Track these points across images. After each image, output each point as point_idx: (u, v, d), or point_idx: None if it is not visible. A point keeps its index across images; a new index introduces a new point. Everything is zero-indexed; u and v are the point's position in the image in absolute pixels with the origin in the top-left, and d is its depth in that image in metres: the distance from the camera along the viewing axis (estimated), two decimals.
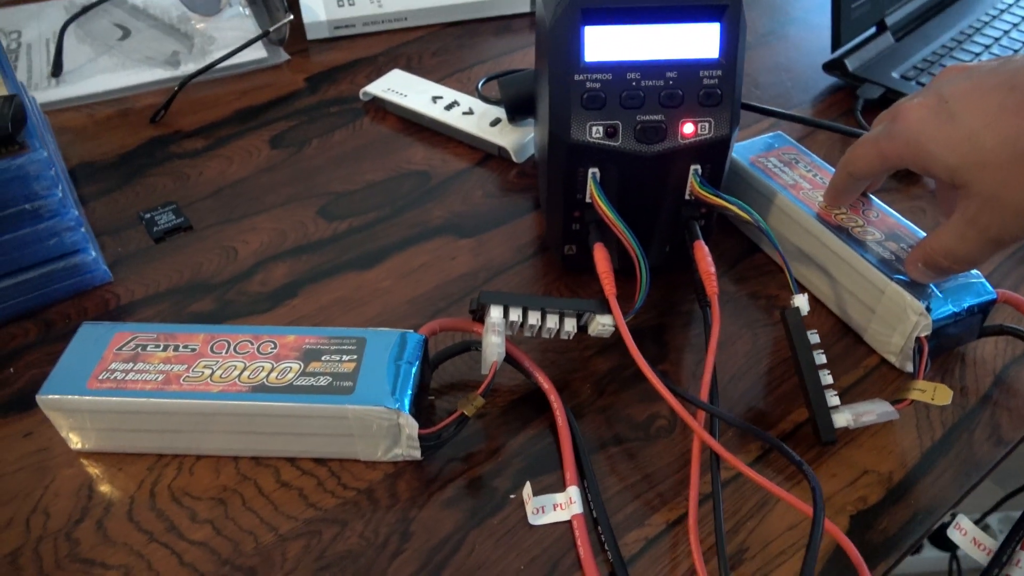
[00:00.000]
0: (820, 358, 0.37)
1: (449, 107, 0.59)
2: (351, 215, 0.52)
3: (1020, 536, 0.35)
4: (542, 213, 0.51)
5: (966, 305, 0.40)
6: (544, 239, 0.50)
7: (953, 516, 0.37)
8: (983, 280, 0.41)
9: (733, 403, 0.40)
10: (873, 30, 0.66)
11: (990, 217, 0.35)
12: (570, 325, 0.38)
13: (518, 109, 0.55)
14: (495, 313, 0.37)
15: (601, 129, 0.39)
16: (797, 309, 0.37)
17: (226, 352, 0.36)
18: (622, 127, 0.39)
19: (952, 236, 0.37)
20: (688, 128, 0.39)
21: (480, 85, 0.58)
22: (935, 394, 0.35)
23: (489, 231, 0.51)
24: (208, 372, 0.36)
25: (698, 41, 0.39)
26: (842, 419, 0.37)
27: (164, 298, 0.46)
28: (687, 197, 0.42)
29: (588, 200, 0.41)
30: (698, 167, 0.41)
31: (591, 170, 0.40)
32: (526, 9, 0.73)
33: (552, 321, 0.38)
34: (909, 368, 0.41)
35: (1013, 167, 0.33)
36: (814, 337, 0.37)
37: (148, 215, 0.51)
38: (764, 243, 0.49)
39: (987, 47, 0.67)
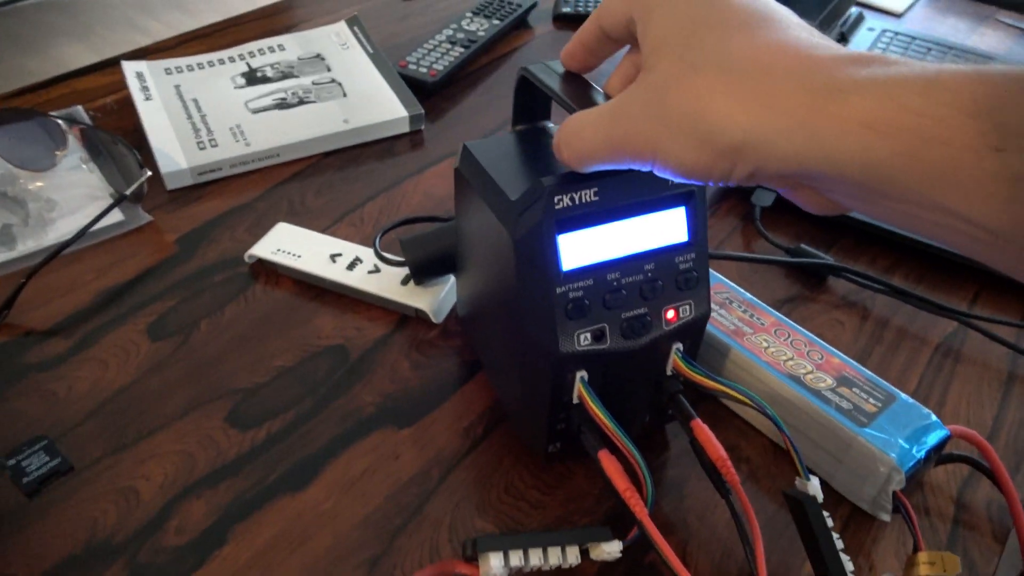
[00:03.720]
0: (839, 543, 0.36)
1: (351, 266, 0.54)
2: (267, 417, 0.46)
3: None
4: (490, 383, 0.48)
5: (928, 448, 0.40)
6: (523, 437, 0.46)
7: None
8: (935, 419, 0.42)
9: None
10: None
11: (639, 108, 0.29)
12: (573, 556, 0.35)
13: (427, 272, 0.51)
14: (495, 563, 0.34)
15: (589, 335, 0.37)
16: (815, 498, 0.36)
17: None
18: (609, 328, 0.37)
19: (591, 117, 0.32)
20: (671, 314, 0.38)
21: (377, 241, 0.54)
22: (945, 565, 0.36)
23: (429, 413, 0.47)
24: None
25: (667, 228, 0.38)
26: None
27: None
28: (668, 372, 0.40)
29: (576, 401, 0.39)
30: (680, 345, 0.39)
31: (580, 373, 0.38)
32: (406, 129, 0.69)
33: (555, 556, 0.35)
34: (884, 517, 0.41)
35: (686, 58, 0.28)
36: (829, 520, 0.36)
37: (12, 461, 0.43)
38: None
39: None
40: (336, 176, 0.65)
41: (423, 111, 0.69)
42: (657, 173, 0.30)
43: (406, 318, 0.53)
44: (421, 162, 0.67)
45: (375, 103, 0.69)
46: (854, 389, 0.43)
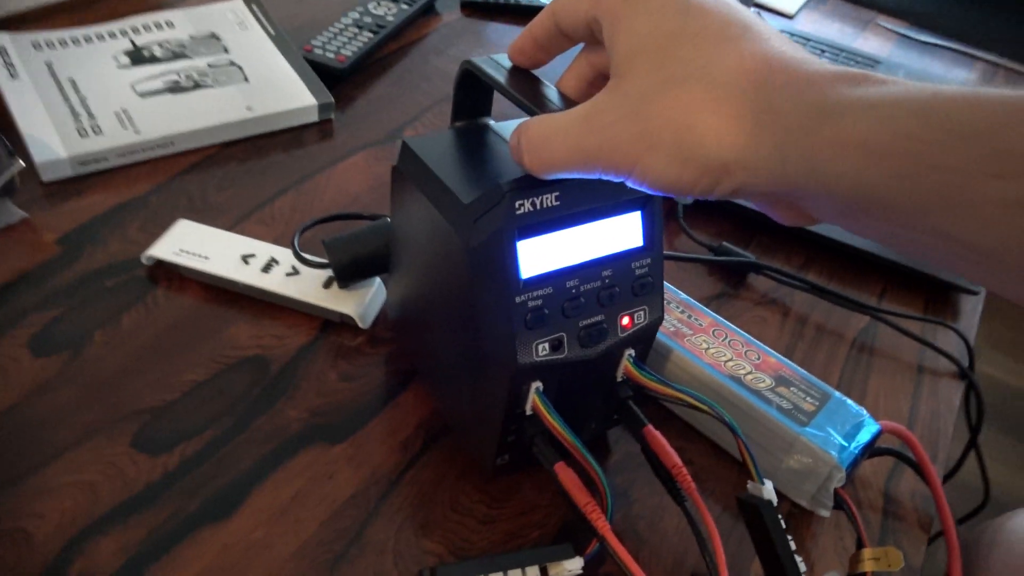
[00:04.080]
0: (791, 545, 0.36)
1: (267, 268, 0.50)
2: (180, 439, 0.41)
3: None
4: (428, 393, 0.45)
5: (864, 444, 0.42)
6: (469, 449, 0.44)
7: None
8: (868, 415, 0.43)
9: None
10: None
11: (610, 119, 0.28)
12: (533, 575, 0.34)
13: (353, 274, 0.48)
14: None
15: (547, 345, 0.35)
16: (770, 502, 0.36)
17: None
18: (566, 337, 0.35)
19: (558, 123, 0.30)
20: (626, 320, 0.37)
21: (296, 241, 0.50)
22: (890, 560, 0.37)
23: (362, 427, 0.44)
24: None
25: (624, 232, 0.36)
26: None
27: None
28: (619, 379, 0.39)
29: (529, 412, 0.37)
30: (632, 351, 0.38)
31: (535, 384, 0.36)
32: (314, 119, 0.65)
33: None
34: (823, 513, 0.42)
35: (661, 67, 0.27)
36: (782, 523, 0.36)
37: None
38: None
39: None
40: (239, 168, 0.60)
41: (333, 100, 0.65)
42: (630, 185, 0.29)
43: (329, 324, 0.49)
44: (332, 155, 0.63)
45: (280, 90, 0.64)
46: (792, 388, 0.43)
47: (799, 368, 0.45)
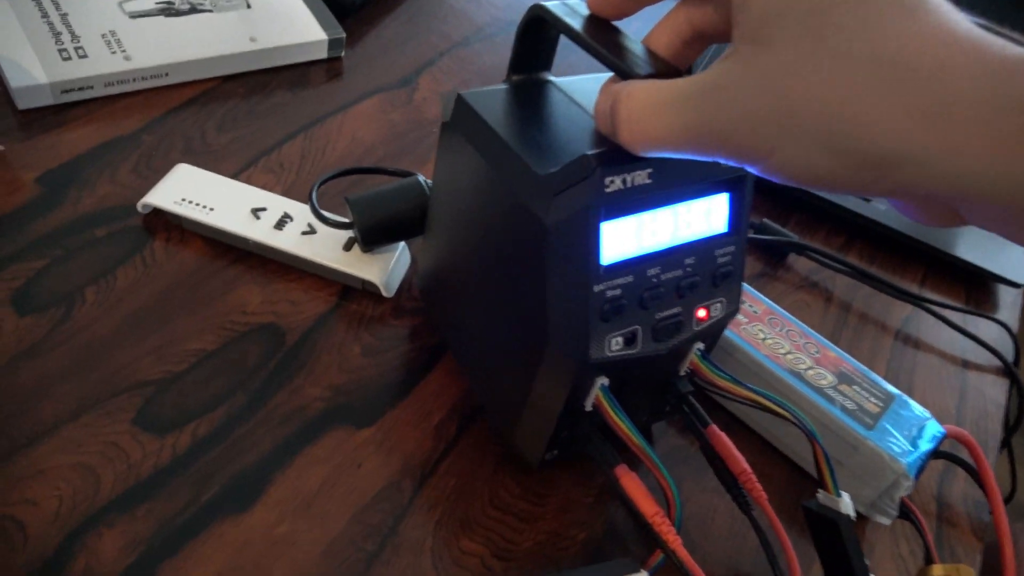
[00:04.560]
0: (867, 563, 0.34)
1: (280, 224, 0.45)
2: (189, 417, 0.37)
3: None
4: (463, 371, 0.41)
5: (929, 449, 0.39)
6: (514, 442, 0.40)
7: None
8: (932, 418, 0.41)
9: None
10: None
11: (745, 93, 0.23)
12: None
13: (379, 238, 0.43)
14: None
15: (621, 339, 0.31)
16: (848, 517, 0.33)
17: None
18: (641, 331, 0.31)
19: (670, 93, 0.25)
20: (702, 313, 0.33)
21: (314, 196, 0.44)
22: None
23: (391, 409, 0.40)
24: None
25: (710, 216, 0.32)
26: None
27: None
28: (682, 372, 0.36)
29: (590, 409, 0.33)
30: (701, 344, 0.35)
31: (600, 380, 0.32)
32: (323, 55, 0.59)
33: None
34: (883, 520, 0.40)
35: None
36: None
37: None
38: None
39: None
40: (241, 107, 0.54)
41: (344, 35, 0.59)
42: (758, 174, 0.25)
43: (349, 290, 0.44)
44: (343, 97, 0.57)
45: (287, 20, 0.58)
46: (854, 387, 0.41)
47: (859, 364, 0.42)
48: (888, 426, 0.39)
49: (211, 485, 0.35)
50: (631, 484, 0.33)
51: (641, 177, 0.29)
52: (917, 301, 0.53)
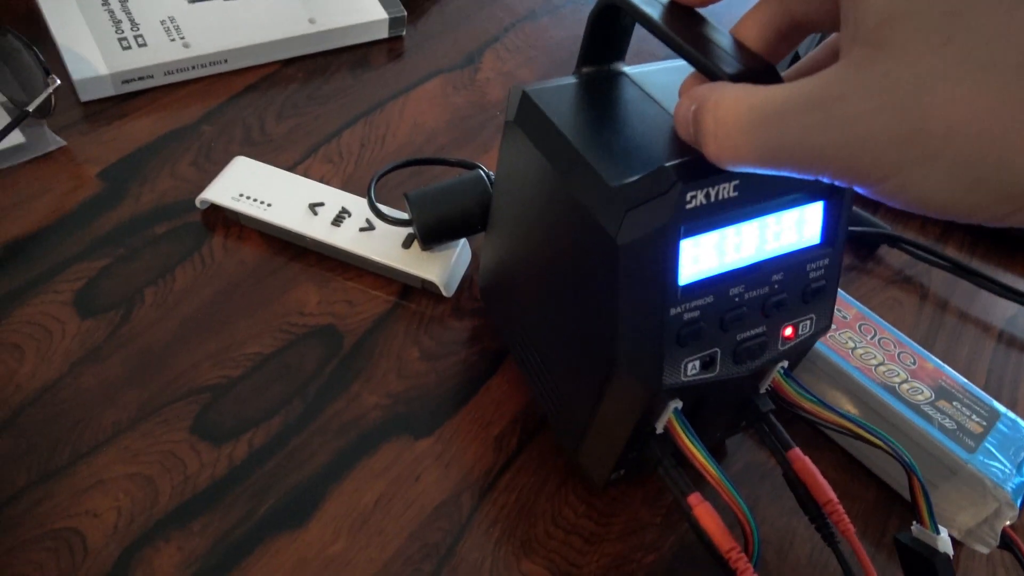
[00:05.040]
0: None
1: (337, 220, 0.43)
2: (246, 425, 0.36)
3: None
4: (526, 383, 0.39)
5: None
6: (579, 460, 0.38)
7: None
8: None
9: None
10: None
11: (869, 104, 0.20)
12: None
13: (439, 236, 0.41)
14: None
15: (698, 363, 0.29)
16: (948, 557, 0.30)
17: None
18: (720, 353, 0.29)
19: (767, 105, 0.22)
20: (788, 331, 0.30)
21: (372, 191, 0.42)
22: None
23: (450, 418, 0.38)
24: None
25: (801, 227, 0.29)
26: None
27: None
28: (763, 390, 0.33)
29: (660, 431, 0.31)
30: (785, 363, 0.32)
31: (673, 404, 0.30)
32: (384, 35, 0.57)
33: None
34: (980, 549, 0.36)
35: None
36: None
37: None
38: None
39: None
40: (301, 93, 0.52)
41: (404, 12, 0.56)
42: (871, 197, 0.22)
43: (408, 290, 0.43)
44: (404, 79, 0.55)
45: (346, 0, 0.56)
46: (955, 403, 0.37)
47: (960, 377, 0.38)
48: (991, 447, 0.36)
49: (267, 499, 0.34)
50: (705, 516, 0.30)
51: (727, 191, 0.26)
52: (1023, 299, 0.48)
